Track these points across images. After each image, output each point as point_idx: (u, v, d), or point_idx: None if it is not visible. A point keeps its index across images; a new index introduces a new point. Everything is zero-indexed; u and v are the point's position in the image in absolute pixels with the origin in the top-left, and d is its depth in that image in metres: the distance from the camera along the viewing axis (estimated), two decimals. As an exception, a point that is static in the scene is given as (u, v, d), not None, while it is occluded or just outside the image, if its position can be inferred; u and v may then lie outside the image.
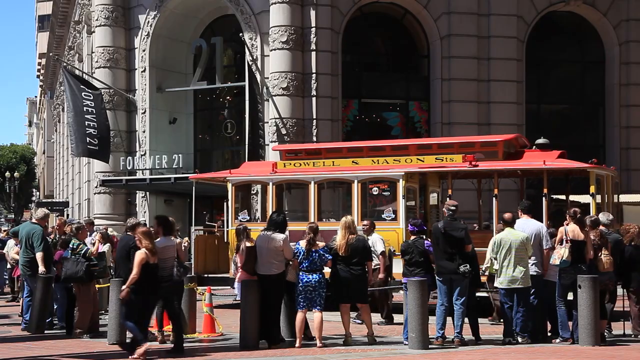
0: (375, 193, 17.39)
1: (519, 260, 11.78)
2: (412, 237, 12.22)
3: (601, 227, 12.75)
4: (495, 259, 12.02)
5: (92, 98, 28.90)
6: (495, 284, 12.27)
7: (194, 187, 19.81)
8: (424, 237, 12.44)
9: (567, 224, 12.01)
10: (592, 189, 15.70)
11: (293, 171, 18.08)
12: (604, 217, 13.08)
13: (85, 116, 28.68)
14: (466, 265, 11.71)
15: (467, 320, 11.92)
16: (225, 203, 18.55)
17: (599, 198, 16.06)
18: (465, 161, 16.44)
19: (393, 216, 16.48)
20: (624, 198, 20.99)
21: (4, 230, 27.80)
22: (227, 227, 18.32)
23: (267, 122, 27.16)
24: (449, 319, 11.89)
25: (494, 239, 12.25)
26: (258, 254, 11.95)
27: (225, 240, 18.46)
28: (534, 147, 18.94)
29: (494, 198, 16.49)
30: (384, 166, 17.07)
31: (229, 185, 18.32)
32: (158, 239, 11.44)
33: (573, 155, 17.30)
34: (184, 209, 29.78)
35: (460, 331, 11.74)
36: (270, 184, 17.81)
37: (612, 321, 12.95)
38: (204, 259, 18.44)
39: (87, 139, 28.73)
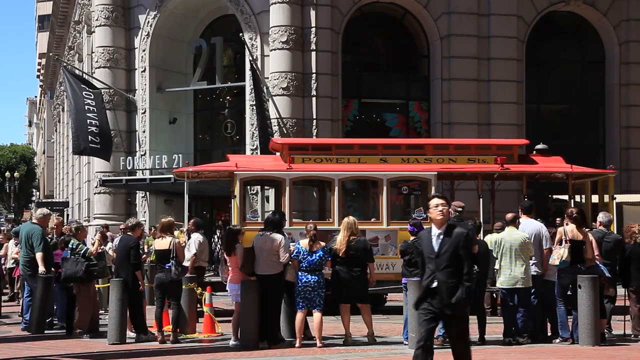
0: (405, 192, 17.21)
1: (520, 260, 11.78)
2: (412, 238, 12.21)
3: (600, 227, 12.80)
4: (496, 258, 12.02)
5: (92, 97, 28.81)
6: (497, 284, 12.27)
7: (186, 183, 18.80)
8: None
9: (566, 224, 12.03)
10: (611, 192, 16.66)
11: (313, 167, 16.75)
12: (603, 217, 13.09)
13: (87, 114, 28.59)
14: (471, 267, 11.69)
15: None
16: (232, 200, 16.65)
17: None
18: (497, 163, 16.56)
19: (424, 216, 16.17)
20: (624, 198, 21.03)
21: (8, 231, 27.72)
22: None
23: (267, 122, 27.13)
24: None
25: (494, 238, 12.25)
26: (256, 254, 11.95)
27: None
28: (534, 152, 18.94)
29: (525, 199, 16.48)
30: (415, 165, 16.80)
31: (236, 181, 16.43)
32: None
33: (574, 156, 17.42)
34: (184, 209, 29.64)
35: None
36: (287, 180, 16.37)
37: (612, 320, 12.96)
38: None
39: (89, 137, 28.57)
